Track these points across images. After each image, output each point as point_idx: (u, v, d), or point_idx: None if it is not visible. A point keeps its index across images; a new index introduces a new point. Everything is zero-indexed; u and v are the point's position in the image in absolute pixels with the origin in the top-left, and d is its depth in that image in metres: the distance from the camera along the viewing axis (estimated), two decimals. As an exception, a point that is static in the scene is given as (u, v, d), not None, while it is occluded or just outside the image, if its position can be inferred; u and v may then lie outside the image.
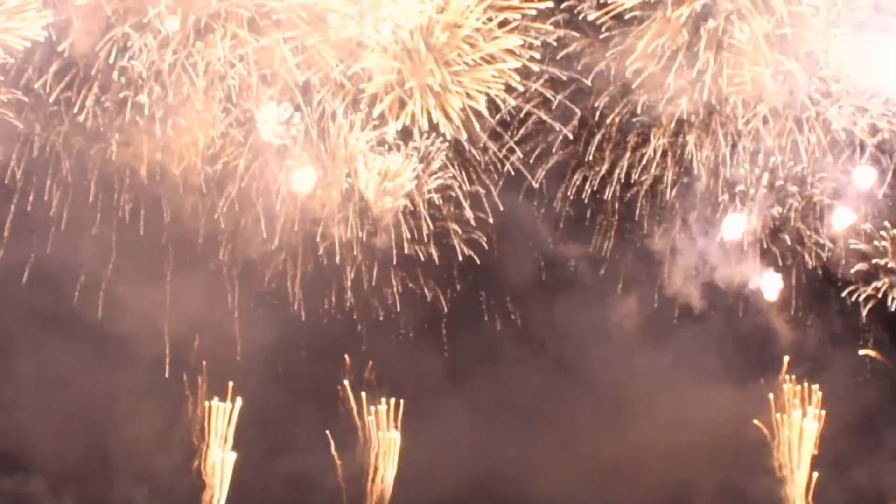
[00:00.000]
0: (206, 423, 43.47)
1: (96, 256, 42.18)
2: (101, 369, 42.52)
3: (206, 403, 43.56)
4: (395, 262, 43.56)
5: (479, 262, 44.25)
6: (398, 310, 44.57)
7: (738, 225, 43.49)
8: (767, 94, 41.18)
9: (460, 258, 44.16)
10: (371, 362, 45.36)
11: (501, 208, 43.68)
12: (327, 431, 44.55)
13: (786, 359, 45.23)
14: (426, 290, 44.68)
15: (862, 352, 45.00)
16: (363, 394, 45.08)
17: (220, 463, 43.41)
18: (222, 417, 43.40)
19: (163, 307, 42.58)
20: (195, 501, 43.53)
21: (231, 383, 43.33)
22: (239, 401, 43.42)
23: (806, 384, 45.09)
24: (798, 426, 44.78)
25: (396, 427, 44.85)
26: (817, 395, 44.95)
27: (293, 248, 42.92)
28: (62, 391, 42.57)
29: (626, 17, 40.20)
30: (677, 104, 41.45)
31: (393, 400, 44.91)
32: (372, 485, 44.85)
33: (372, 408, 45.00)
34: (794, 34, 40.07)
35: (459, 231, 43.70)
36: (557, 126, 42.76)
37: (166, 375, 43.29)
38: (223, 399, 43.42)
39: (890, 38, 39.84)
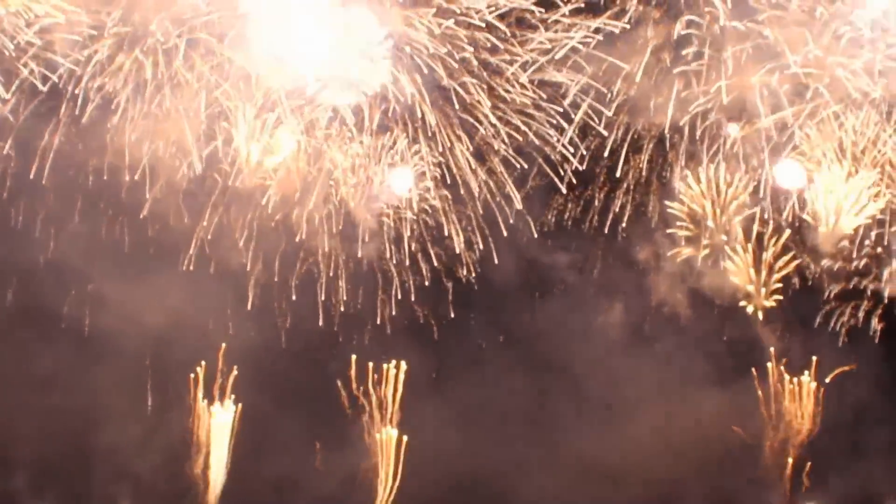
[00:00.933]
0: (194, 426, 43.64)
1: (84, 261, 42.46)
2: (85, 373, 42.74)
3: (194, 407, 43.71)
4: (380, 281, 43.70)
5: (467, 278, 44.34)
6: (388, 332, 44.71)
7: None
8: (751, 110, 41.15)
9: (446, 277, 44.29)
10: (355, 358, 45.33)
11: (487, 230, 43.81)
12: (317, 443, 44.73)
13: (772, 350, 45.19)
14: (415, 308, 44.83)
15: (828, 379, 44.90)
16: (357, 398, 45.19)
17: (202, 470, 43.63)
18: (210, 421, 43.56)
19: (149, 312, 42.70)
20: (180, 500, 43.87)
21: (219, 389, 43.50)
22: (229, 405, 43.57)
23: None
24: (791, 411, 44.81)
25: (391, 432, 44.97)
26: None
27: (276, 263, 43.02)
28: (45, 390, 42.83)
29: (609, 35, 40.14)
30: (661, 121, 41.45)
31: (388, 405, 45.05)
32: (361, 490, 44.99)
33: (364, 414, 45.08)
34: (780, 50, 39.99)
35: (446, 250, 43.77)
36: (544, 138, 42.74)
37: (149, 378, 43.53)
38: (211, 403, 43.56)
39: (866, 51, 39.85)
